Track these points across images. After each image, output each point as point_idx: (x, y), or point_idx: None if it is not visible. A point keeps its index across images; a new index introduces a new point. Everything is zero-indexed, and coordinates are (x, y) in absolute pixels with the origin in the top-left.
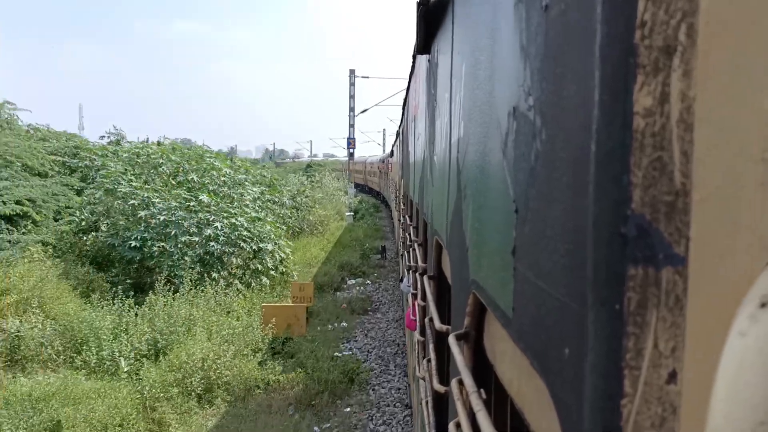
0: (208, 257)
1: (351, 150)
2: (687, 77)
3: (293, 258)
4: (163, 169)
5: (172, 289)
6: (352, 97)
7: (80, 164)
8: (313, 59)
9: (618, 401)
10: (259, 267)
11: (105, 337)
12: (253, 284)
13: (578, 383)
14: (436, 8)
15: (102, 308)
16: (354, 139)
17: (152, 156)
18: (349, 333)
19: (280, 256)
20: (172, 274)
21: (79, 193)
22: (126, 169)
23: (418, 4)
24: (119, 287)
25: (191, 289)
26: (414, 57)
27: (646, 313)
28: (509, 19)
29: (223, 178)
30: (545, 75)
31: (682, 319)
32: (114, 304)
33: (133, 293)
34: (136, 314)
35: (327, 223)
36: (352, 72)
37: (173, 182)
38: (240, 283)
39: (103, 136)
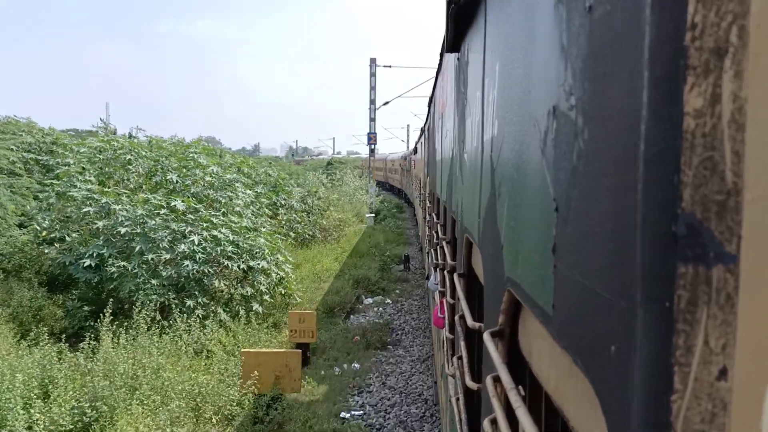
0: (183, 280)
1: (372, 145)
2: (738, 78)
3: (299, 274)
4: (133, 167)
5: (125, 325)
6: (372, 88)
7: (50, 161)
8: (337, 56)
9: (668, 397)
10: (249, 291)
11: (11, 404)
12: (241, 313)
13: (625, 380)
14: (467, 7)
15: (21, 357)
16: (375, 134)
17: (119, 151)
18: (361, 379)
19: (278, 275)
20: (136, 300)
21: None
22: (83, 168)
23: (448, 3)
24: (75, 316)
25: (149, 327)
26: (441, 55)
27: (697, 311)
28: (548, 19)
29: (208, 179)
30: (588, 75)
31: (733, 317)
32: (33, 353)
33: (92, 322)
34: (80, 354)
35: (343, 228)
36: (372, 61)
37: (150, 184)
38: (225, 312)
39: (91, 131)
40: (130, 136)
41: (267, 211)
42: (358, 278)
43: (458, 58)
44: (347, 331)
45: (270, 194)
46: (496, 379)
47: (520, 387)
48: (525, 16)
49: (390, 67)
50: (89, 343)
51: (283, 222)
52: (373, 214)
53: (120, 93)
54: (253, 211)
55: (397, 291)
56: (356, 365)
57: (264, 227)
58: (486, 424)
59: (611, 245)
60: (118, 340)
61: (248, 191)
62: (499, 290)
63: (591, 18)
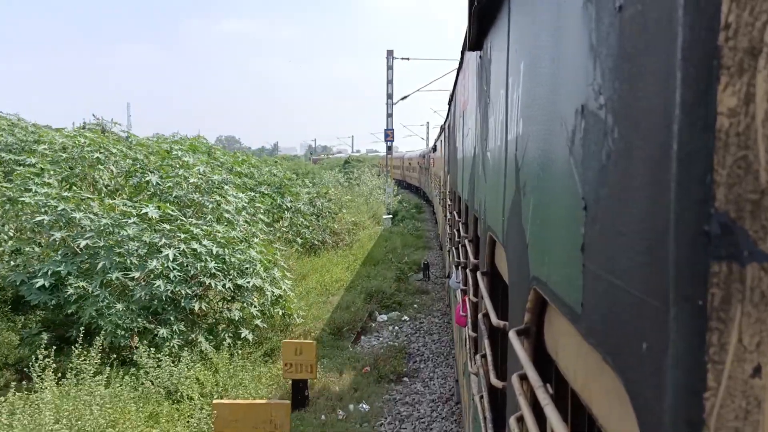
0: (155, 303)
1: (389, 142)
2: None
3: (305, 286)
4: (104, 167)
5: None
6: (390, 82)
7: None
8: (357, 53)
9: (701, 395)
10: (237, 315)
11: None
12: (228, 341)
13: (658, 377)
14: (490, 5)
15: None
16: (392, 130)
17: (87, 149)
18: (370, 425)
19: (274, 293)
20: (100, 328)
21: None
22: (42, 168)
23: (471, 1)
24: (32, 344)
25: (98, 368)
26: (462, 53)
27: (730, 309)
28: (576, 18)
29: (193, 180)
30: (618, 75)
31: (767, 315)
32: None
33: (59, 351)
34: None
35: (356, 232)
36: (389, 53)
37: (130, 187)
38: (207, 340)
39: (82, 128)
40: (103, 131)
41: (263, 217)
42: (371, 291)
43: (480, 56)
44: (356, 359)
45: (273, 196)
46: (523, 377)
47: (548, 385)
48: (551, 15)
49: (408, 59)
50: (14, 392)
51: (287, 227)
52: (391, 216)
53: (143, 93)
54: (245, 218)
55: (415, 305)
56: (365, 406)
57: (257, 236)
58: (512, 422)
59: (643, 244)
60: (58, 385)
61: (240, 194)
62: (525, 288)
63: (621, 17)
